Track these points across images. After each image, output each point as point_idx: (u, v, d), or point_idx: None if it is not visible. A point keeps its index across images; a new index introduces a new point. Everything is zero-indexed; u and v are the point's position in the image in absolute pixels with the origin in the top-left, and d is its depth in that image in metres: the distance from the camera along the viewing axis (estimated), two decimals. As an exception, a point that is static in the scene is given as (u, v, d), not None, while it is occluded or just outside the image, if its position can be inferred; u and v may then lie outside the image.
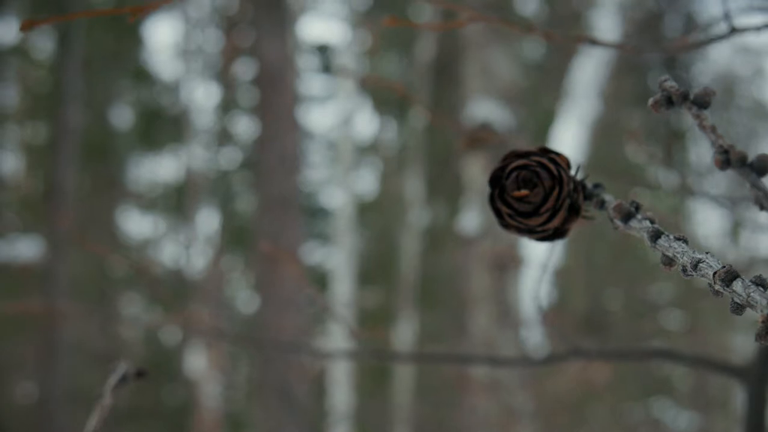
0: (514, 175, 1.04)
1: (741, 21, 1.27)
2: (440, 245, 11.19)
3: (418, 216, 9.74)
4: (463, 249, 5.47)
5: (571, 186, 1.04)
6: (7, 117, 12.34)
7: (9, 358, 11.03)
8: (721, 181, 8.51)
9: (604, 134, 8.73)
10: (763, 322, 0.73)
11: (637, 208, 0.94)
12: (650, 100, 0.76)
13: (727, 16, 1.24)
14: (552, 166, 1.03)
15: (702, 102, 0.73)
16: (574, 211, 1.05)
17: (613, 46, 1.31)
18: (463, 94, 5.50)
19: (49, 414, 8.59)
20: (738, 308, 0.77)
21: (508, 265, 5.02)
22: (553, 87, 9.19)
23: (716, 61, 10.17)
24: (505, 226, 1.06)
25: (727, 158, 0.67)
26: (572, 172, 1.06)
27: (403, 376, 9.52)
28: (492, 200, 1.05)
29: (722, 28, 1.27)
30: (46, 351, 8.73)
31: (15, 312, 8.47)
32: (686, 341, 9.36)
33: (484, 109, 5.16)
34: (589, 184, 1.07)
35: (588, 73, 7.04)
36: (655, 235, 0.88)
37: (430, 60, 9.32)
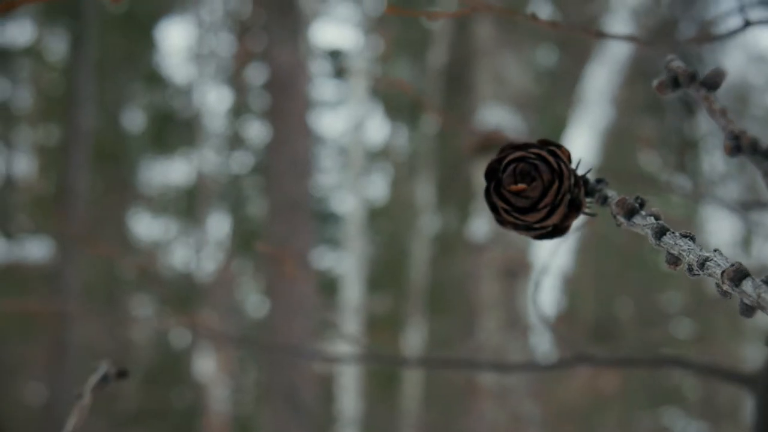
0: (511, 167, 0.97)
1: (755, 14, 1.23)
2: (450, 251, 11.15)
3: (428, 222, 9.71)
4: (472, 255, 5.44)
5: (572, 180, 0.97)
6: (19, 119, 12.38)
7: (18, 359, 11.03)
8: (734, 191, 8.46)
9: (617, 142, 8.68)
10: (773, 324, 0.69)
11: (642, 204, 0.88)
12: (655, 82, 0.71)
13: (741, 10, 1.20)
14: (552, 159, 0.96)
15: (711, 83, 0.68)
16: (575, 207, 0.98)
17: (622, 38, 1.28)
18: (474, 101, 5.47)
19: (58, 416, 8.58)
20: (747, 310, 0.72)
21: (517, 271, 4.99)
22: (565, 94, 9.16)
23: (730, 70, 10.11)
24: (501, 222, 0.98)
25: (737, 144, 0.63)
26: (574, 165, 0.99)
27: (411, 382, 9.49)
28: (488, 194, 0.98)
29: (736, 22, 1.24)
30: (56, 353, 8.73)
31: (24, 313, 8.47)
32: (696, 351, 9.31)
33: (496, 116, 5.14)
34: (591, 179, 1.00)
35: (600, 80, 7.00)
36: (660, 232, 0.82)
37: (441, 67, 9.31)
